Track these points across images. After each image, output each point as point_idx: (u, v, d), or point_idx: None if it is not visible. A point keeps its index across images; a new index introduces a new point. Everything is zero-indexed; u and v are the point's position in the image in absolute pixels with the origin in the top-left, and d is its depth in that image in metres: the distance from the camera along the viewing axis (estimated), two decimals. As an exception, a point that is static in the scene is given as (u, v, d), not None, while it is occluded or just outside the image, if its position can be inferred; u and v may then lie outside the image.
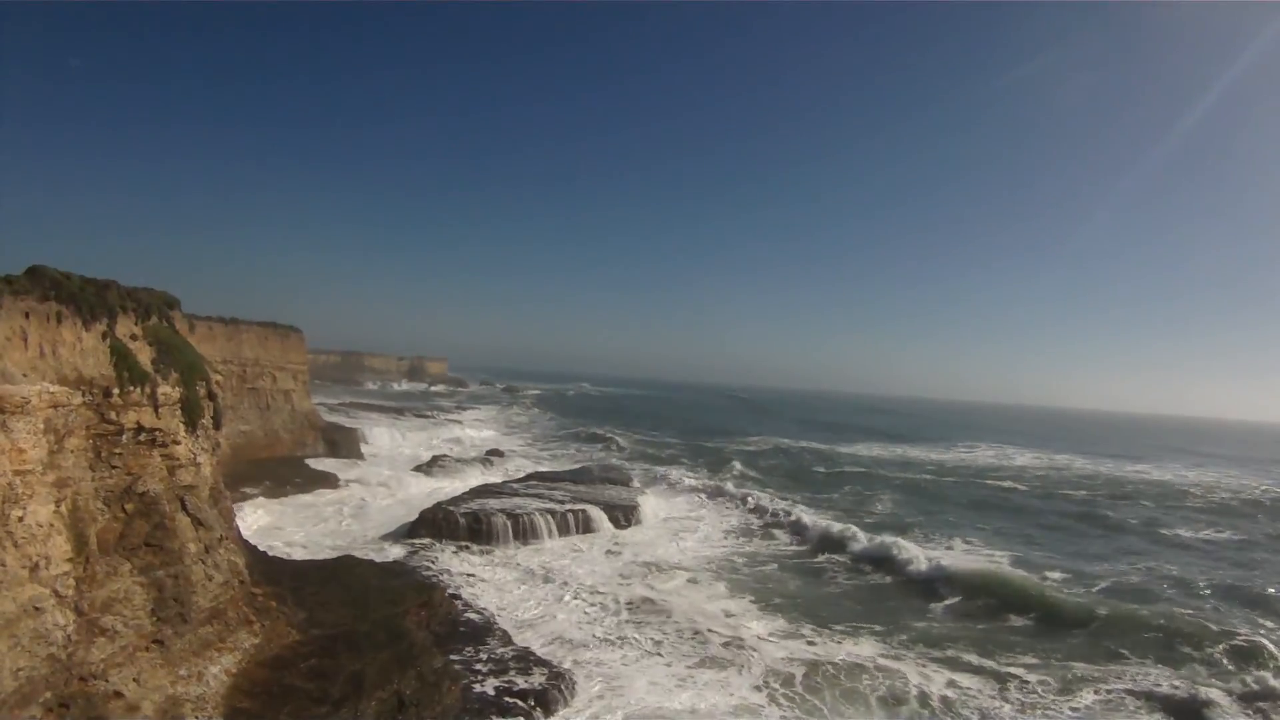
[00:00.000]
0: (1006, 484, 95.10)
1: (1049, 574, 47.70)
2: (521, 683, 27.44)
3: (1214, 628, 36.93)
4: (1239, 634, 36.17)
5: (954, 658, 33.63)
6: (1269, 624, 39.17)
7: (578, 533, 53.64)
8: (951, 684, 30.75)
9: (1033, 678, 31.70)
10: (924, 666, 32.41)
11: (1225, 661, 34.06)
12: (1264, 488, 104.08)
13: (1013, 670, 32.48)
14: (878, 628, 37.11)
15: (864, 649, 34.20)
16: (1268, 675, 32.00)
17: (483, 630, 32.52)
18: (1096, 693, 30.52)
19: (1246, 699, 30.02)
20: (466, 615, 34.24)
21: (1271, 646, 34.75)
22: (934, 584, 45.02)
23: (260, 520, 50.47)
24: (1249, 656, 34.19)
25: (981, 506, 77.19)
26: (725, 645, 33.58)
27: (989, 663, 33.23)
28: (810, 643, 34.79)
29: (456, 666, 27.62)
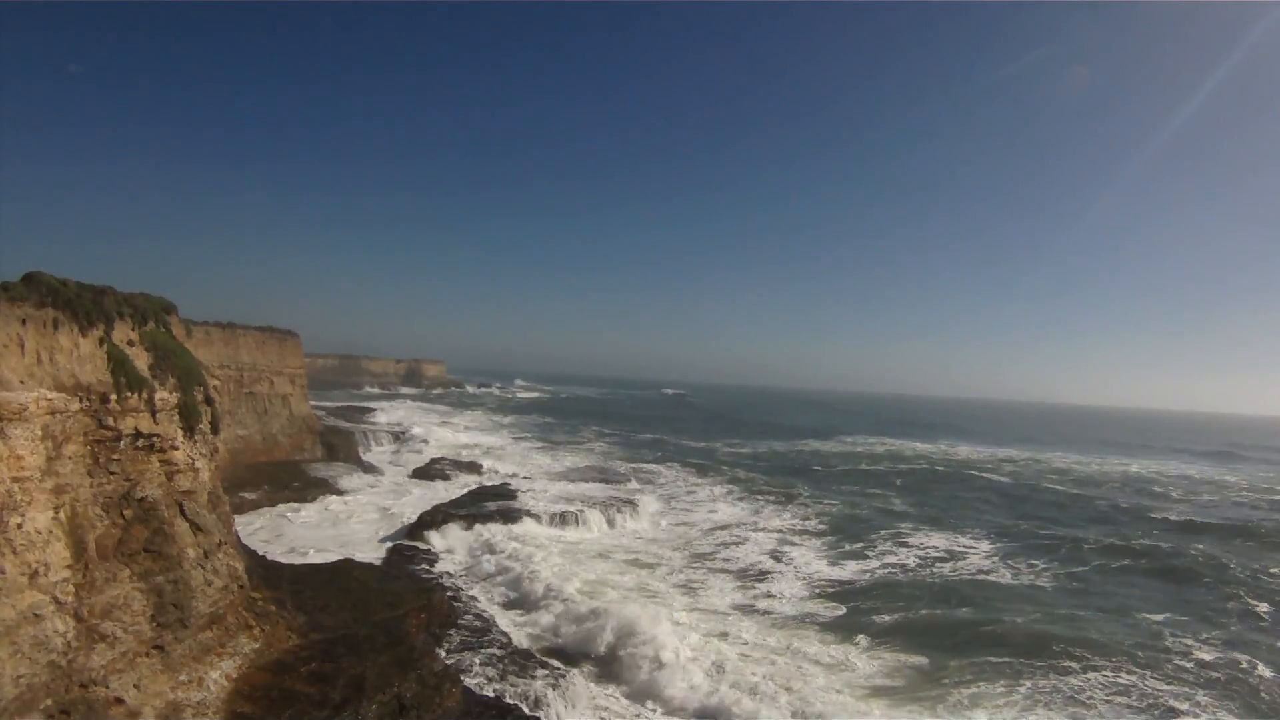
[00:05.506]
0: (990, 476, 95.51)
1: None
2: (522, 684, 27.47)
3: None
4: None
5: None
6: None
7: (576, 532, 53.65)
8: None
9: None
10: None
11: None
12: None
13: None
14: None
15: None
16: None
17: (482, 632, 32.56)
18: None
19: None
20: (466, 617, 34.27)
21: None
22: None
23: (259, 525, 50.42)
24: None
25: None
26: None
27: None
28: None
29: (457, 668, 27.64)
